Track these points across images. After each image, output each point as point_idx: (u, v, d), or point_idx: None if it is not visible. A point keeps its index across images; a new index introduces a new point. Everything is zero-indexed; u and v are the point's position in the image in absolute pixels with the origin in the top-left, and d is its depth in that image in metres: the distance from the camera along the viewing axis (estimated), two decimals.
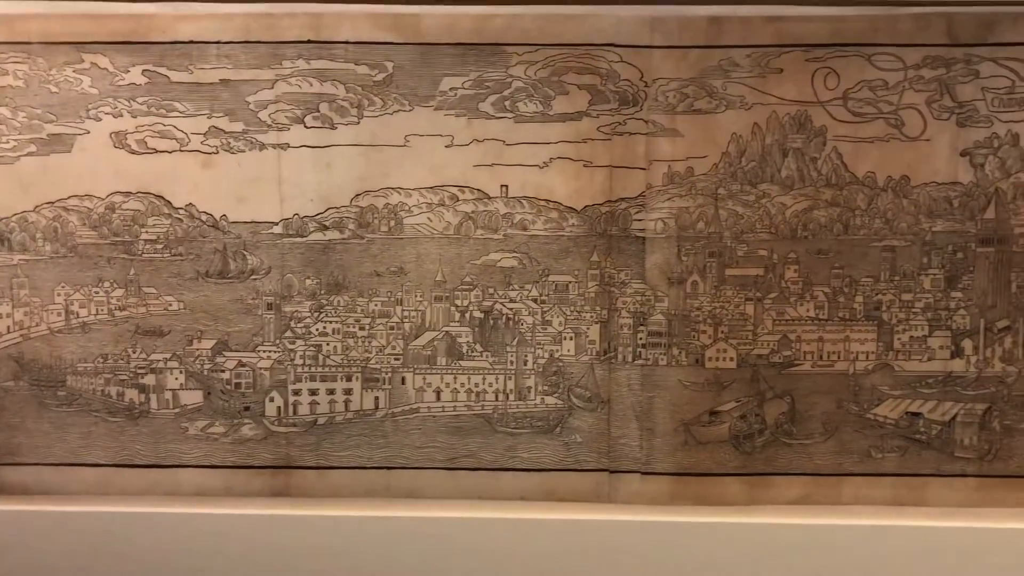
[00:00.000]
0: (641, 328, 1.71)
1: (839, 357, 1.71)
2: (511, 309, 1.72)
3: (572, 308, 1.71)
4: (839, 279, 1.70)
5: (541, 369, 1.73)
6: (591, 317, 1.71)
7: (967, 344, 1.70)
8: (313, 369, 1.73)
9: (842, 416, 1.72)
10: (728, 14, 1.64)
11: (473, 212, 1.69)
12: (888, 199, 1.67)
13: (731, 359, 1.72)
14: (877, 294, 1.70)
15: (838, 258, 1.69)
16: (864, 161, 1.67)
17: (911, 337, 1.71)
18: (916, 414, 1.72)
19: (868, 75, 1.65)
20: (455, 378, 1.73)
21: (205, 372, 1.74)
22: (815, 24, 1.63)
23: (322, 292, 1.71)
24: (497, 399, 1.73)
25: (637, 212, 1.68)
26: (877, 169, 1.67)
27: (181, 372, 1.74)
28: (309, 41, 1.66)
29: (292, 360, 1.73)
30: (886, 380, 1.72)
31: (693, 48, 1.65)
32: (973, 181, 1.67)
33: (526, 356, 1.72)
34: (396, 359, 1.73)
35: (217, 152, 1.69)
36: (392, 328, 1.72)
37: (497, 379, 1.73)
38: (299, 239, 1.70)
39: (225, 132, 1.68)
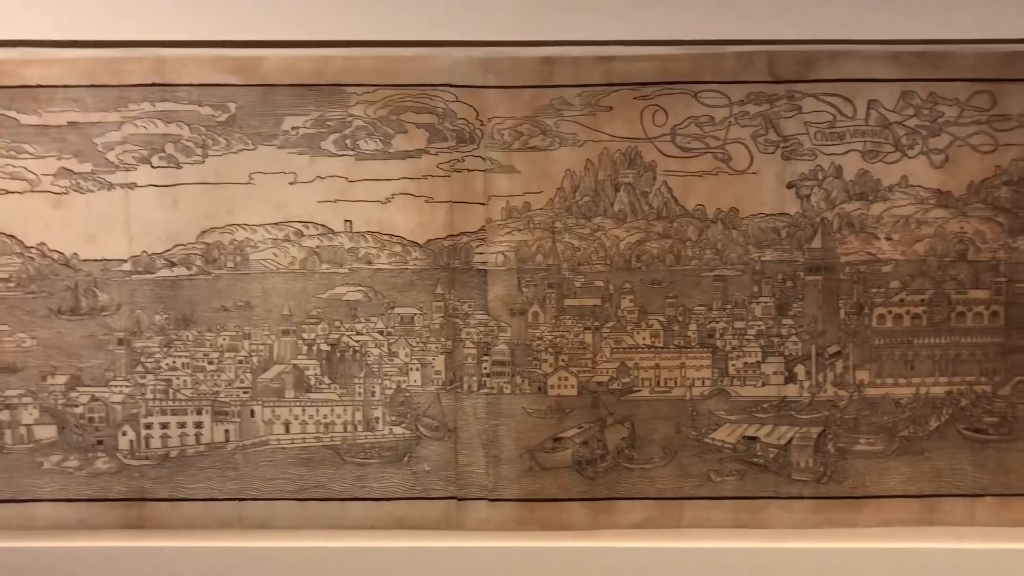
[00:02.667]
0: (485, 358, 1.79)
1: (676, 383, 1.79)
2: (358, 341, 1.79)
3: (418, 340, 1.79)
4: (673, 308, 1.78)
5: (388, 400, 1.80)
6: (436, 348, 1.79)
7: (800, 369, 1.79)
8: (164, 403, 1.79)
9: (681, 441, 1.80)
10: (559, 55, 1.72)
11: (318, 247, 1.76)
12: (718, 230, 1.76)
13: (572, 387, 1.79)
14: (710, 322, 1.78)
15: (672, 288, 1.77)
16: (694, 194, 1.76)
17: (745, 363, 1.79)
18: (753, 438, 1.80)
19: (695, 111, 1.74)
20: (304, 410, 1.80)
21: (59, 407, 1.79)
22: (642, 63, 1.72)
23: (171, 327, 1.78)
24: (346, 430, 1.80)
25: (478, 246, 1.76)
26: (706, 202, 1.76)
27: (35, 407, 1.79)
28: (153, 84, 1.73)
29: (143, 394, 1.79)
30: (722, 405, 1.80)
31: (526, 88, 1.73)
32: (800, 212, 1.76)
33: (373, 387, 1.79)
34: (245, 392, 1.79)
35: (67, 192, 1.75)
36: (240, 362, 1.79)
37: (345, 410, 1.80)
38: (148, 276, 1.77)
39: (74, 173, 1.75)
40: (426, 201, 1.76)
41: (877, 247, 1.76)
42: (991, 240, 1.75)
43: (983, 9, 1.70)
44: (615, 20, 1.71)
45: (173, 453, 1.80)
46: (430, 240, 1.76)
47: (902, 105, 1.73)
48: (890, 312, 1.78)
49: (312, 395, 1.80)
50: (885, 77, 1.73)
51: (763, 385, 1.79)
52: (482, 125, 1.74)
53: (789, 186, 1.75)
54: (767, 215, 1.76)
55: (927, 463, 1.80)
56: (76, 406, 1.79)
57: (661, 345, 1.79)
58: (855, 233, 1.76)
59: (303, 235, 1.76)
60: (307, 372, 1.79)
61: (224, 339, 1.78)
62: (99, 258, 1.77)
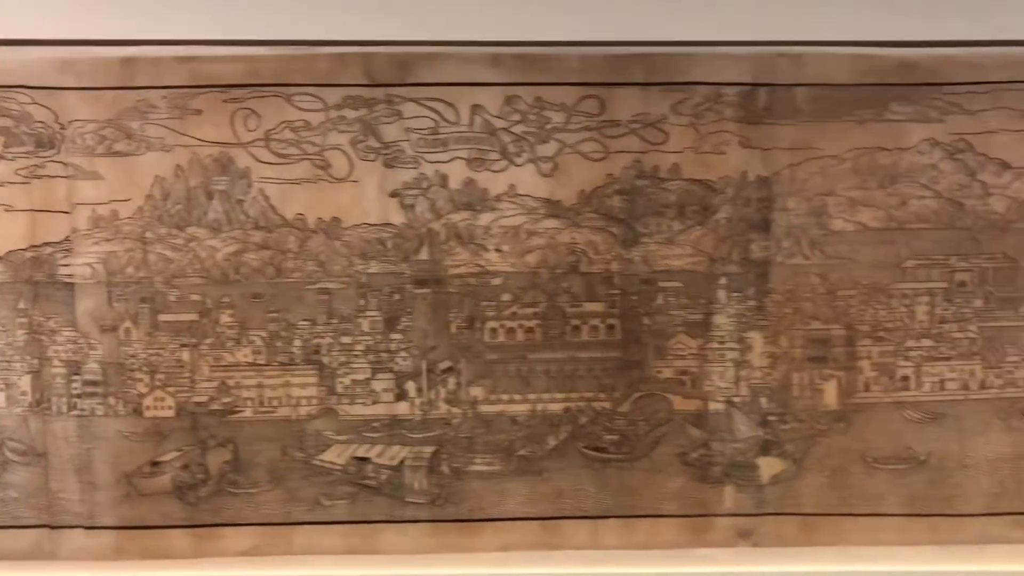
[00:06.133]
0: (75, 377, 1.72)
1: (281, 403, 1.74)
2: None
3: (1, 358, 1.70)
4: (276, 323, 1.72)
5: None
6: (22, 367, 1.71)
7: (411, 386, 1.74)
8: None
9: (288, 463, 1.74)
10: (140, 55, 1.66)
11: None
12: (320, 241, 1.71)
13: (170, 408, 1.73)
14: (316, 337, 1.73)
15: (273, 301, 1.72)
16: (293, 203, 1.70)
17: (353, 380, 1.74)
18: (364, 459, 1.75)
19: (289, 116, 1.68)
20: None
21: None
22: (230, 64, 1.66)
23: None
24: None
25: (64, 257, 1.69)
26: (307, 211, 1.70)
27: None
28: None
29: None
30: (331, 425, 1.75)
31: (107, 89, 1.66)
32: (405, 222, 1.71)
33: None
34: None
35: None
36: None
37: None
38: None
39: None
40: (5, 210, 1.68)
41: (486, 259, 1.72)
42: (604, 251, 1.72)
43: (585, 9, 1.66)
44: (198, 19, 1.65)
45: None
46: (10, 251, 1.69)
47: (507, 110, 1.69)
48: (502, 326, 1.74)
49: None
50: (487, 81, 1.68)
51: (373, 403, 1.74)
52: (62, 129, 1.67)
53: (392, 195, 1.70)
54: (371, 225, 1.71)
55: (547, 484, 1.76)
56: None
57: (264, 362, 1.73)
58: (463, 244, 1.72)
59: None
60: None
61: None
62: None
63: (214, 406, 1.73)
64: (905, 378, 1.75)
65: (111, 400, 1.72)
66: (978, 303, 1.74)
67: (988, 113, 1.69)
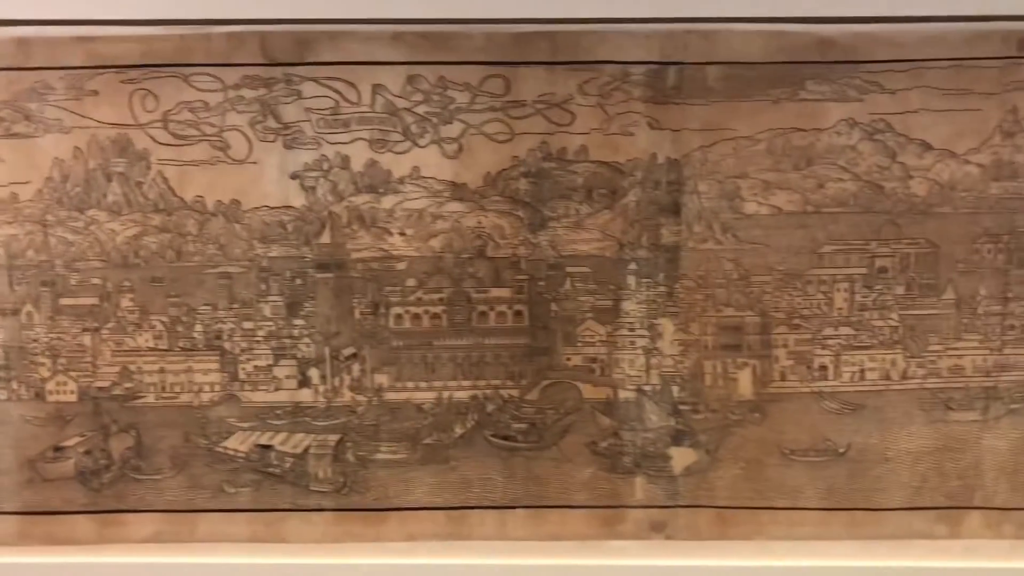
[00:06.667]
0: None
1: (183, 389, 1.72)
2: None
3: None
4: (177, 308, 1.70)
5: None
6: None
7: (314, 373, 1.71)
8: None
9: (191, 450, 1.73)
10: (36, 35, 1.64)
11: None
12: (220, 224, 1.68)
13: (72, 392, 1.72)
14: (217, 323, 1.70)
15: (174, 286, 1.70)
16: (192, 185, 1.68)
17: (255, 367, 1.72)
18: (267, 446, 1.73)
19: (187, 96, 1.65)
20: None
21: None
22: (126, 45, 1.64)
23: None
24: None
25: None
26: (206, 193, 1.68)
27: None
28: None
29: None
30: (233, 412, 1.72)
31: (4, 71, 1.64)
32: (306, 205, 1.68)
33: None
34: None
35: None
36: None
37: None
38: None
39: None
40: None
41: (390, 243, 1.69)
42: (511, 235, 1.68)
43: None
44: None
45: None
46: None
47: (410, 90, 1.65)
48: (407, 312, 1.70)
49: None
50: (389, 60, 1.64)
51: (276, 390, 1.72)
52: None
53: (293, 177, 1.67)
54: (271, 208, 1.68)
55: (454, 473, 1.73)
56: None
57: (165, 348, 1.71)
58: (366, 228, 1.68)
59: None
60: None
61: None
62: None
63: (116, 391, 1.72)
64: (823, 367, 1.70)
65: (14, 384, 1.71)
66: (899, 290, 1.68)
67: (908, 92, 1.62)
